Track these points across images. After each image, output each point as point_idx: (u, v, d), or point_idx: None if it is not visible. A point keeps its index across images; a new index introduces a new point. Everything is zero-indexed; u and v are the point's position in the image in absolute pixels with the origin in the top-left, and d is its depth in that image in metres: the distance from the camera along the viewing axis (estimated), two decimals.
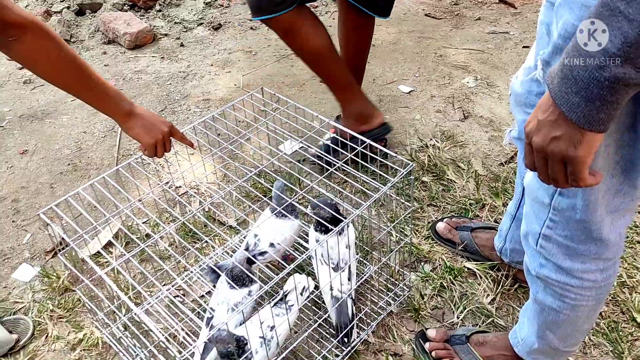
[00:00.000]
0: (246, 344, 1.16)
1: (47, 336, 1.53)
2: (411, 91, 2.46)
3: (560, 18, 0.82)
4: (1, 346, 1.46)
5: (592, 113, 0.69)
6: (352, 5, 1.89)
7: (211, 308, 1.32)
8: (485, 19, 3.04)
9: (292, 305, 1.26)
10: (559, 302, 1.09)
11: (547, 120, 0.73)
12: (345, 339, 1.38)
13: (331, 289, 1.35)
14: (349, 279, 1.39)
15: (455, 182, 1.93)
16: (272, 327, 1.19)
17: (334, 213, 1.38)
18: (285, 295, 1.26)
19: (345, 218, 1.36)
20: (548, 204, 0.98)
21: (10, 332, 1.50)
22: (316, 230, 1.43)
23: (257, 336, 1.19)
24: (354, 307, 1.42)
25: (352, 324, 1.39)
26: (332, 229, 1.29)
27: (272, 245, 1.40)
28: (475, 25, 2.98)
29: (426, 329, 1.47)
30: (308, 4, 1.79)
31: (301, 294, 1.27)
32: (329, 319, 1.42)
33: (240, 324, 1.30)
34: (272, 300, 1.28)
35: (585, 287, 1.05)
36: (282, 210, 1.37)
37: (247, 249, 1.42)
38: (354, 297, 1.43)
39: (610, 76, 0.65)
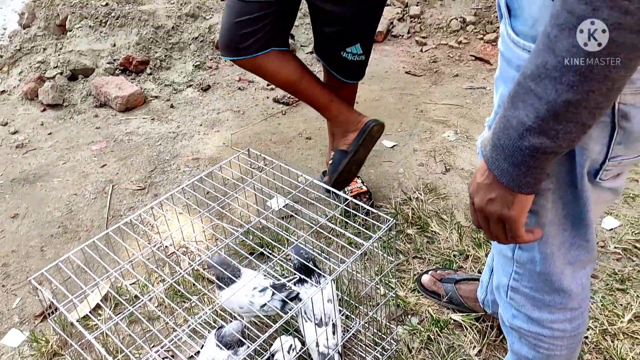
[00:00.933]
0: None
1: None
2: (394, 146, 2.54)
3: (497, 89, 0.91)
4: None
5: (519, 177, 0.75)
6: (326, 67, 2.02)
7: None
8: (462, 75, 3.17)
9: None
10: (533, 352, 1.12)
11: (484, 183, 0.80)
12: None
13: (317, 345, 1.36)
14: (334, 333, 1.41)
15: (439, 234, 1.97)
16: None
17: (311, 266, 1.40)
18: (273, 355, 1.27)
19: (321, 270, 1.39)
20: (511, 258, 1.04)
21: None
22: (295, 285, 1.45)
23: None
24: None
25: None
26: (310, 281, 1.32)
27: None
28: (454, 81, 3.11)
29: None
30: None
31: (288, 352, 1.28)
32: None
33: None
34: None
35: (556, 336, 1.08)
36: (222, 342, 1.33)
37: None
38: (340, 352, 1.44)
39: (529, 145, 0.72)
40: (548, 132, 0.70)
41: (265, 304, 1.39)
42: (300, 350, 1.36)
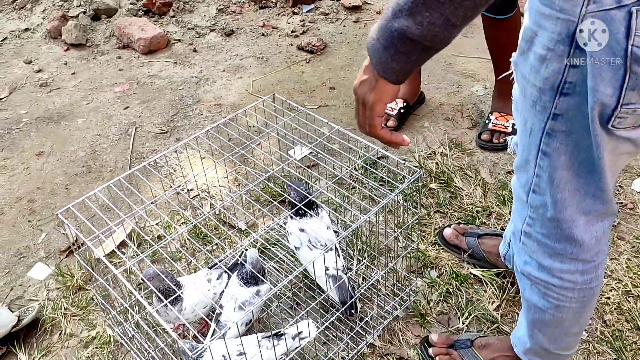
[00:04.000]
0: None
1: (60, 333, 1.57)
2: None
3: (523, 24, 0.93)
4: (4, 325, 1.50)
5: (387, 61, 0.79)
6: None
7: (220, 305, 1.36)
8: None
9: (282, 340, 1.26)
10: (543, 301, 1.13)
11: (364, 65, 0.86)
12: (353, 311, 1.42)
13: (327, 269, 1.38)
14: (339, 257, 1.44)
15: (463, 190, 1.95)
16: (242, 354, 1.17)
17: (305, 194, 1.43)
18: (280, 335, 1.26)
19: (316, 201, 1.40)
20: (526, 202, 1.05)
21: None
22: (293, 218, 1.47)
23: (221, 355, 1.17)
24: (351, 282, 1.46)
25: (355, 297, 1.42)
26: (309, 212, 1.38)
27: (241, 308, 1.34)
28: None
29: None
30: None
31: (293, 338, 1.26)
32: (329, 298, 1.44)
33: (249, 324, 1.33)
34: (268, 335, 1.27)
35: (565, 287, 1.08)
36: (254, 276, 1.34)
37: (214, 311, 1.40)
38: (347, 274, 1.44)
39: (398, 27, 0.75)
40: (415, 16, 0.73)
41: (225, 288, 1.39)
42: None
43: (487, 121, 2.20)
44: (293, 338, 1.25)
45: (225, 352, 1.13)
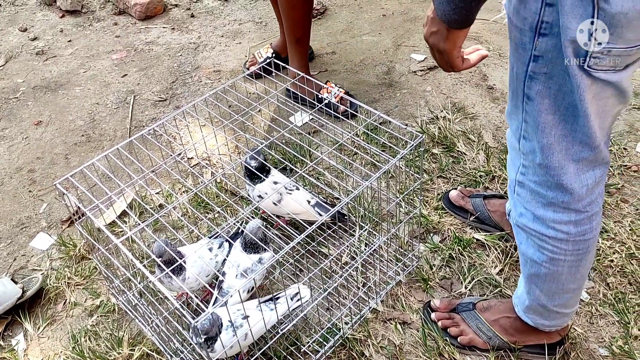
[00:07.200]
0: (221, 324, 1.17)
1: (65, 302, 1.58)
2: (425, 59, 2.43)
3: None
4: (9, 297, 1.51)
5: (450, 13, 0.87)
6: None
7: (223, 272, 1.36)
8: None
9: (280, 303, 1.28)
10: (538, 254, 1.14)
11: (430, 18, 0.94)
12: (345, 218, 1.51)
13: (308, 202, 1.48)
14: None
15: (466, 154, 1.93)
16: (246, 317, 1.18)
17: (262, 161, 1.50)
18: (277, 298, 1.28)
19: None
20: (519, 150, 1.06)
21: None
22: (255, 182, 1.52)
23: (227, 320, 1.18)
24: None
25: (337, 207, 1.40)
26: (263, 177, 1.48)
27: (243, 275, 1.35)
28: None
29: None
30: None
31: (292, 299, 1.29)
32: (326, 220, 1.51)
33: (251, 291, 1.34)
34: (265, 299, 1.30)
35: (559, 238, 1.09)
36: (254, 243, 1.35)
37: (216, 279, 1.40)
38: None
39: None
40: None
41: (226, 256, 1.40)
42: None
43: None
44: (292, 298, 1.28)
45: (229, 318, 1.13)
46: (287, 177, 1.65)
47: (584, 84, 0.88)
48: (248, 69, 2.34)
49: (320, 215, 1.48)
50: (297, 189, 1.56)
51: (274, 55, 2.33)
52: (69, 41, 2.77)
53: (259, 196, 1.50)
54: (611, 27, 0.81)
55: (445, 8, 0.87)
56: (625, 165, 1.85)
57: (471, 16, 0.88)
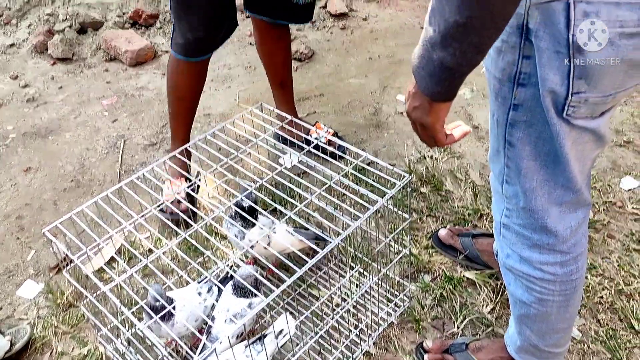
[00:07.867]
0: None
1: (51, 352, 1.55)
2: None
3: None
4: None
5: (432, 86, 0.84)
6: (268, 20, 2.00)
7: (212, 317, 1.34)
8: None
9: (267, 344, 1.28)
10: (527, 295, 1.14)
11: (412, 92, 0.90)
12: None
13: (292, 234, 1.54)
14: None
15: (453, 193, 1.95)
16: None
17: (251, 203, 1.51)
18: (264, 337, 1.28)
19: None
20: (502, 194, 1.08)
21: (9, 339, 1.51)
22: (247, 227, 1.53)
23: None
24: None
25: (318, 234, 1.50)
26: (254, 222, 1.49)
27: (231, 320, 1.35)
28: None
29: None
30: None
31: (277, 337, 1.28)
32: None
33: (240, 336, 1.32)
34: (250, 341, 1.29)
35: (547, 279, 1.10)
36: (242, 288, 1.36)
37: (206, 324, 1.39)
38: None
39: (437, 58, 0.79)
40: (448, 48, 0.77)
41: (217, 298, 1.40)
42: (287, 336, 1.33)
43: None
44: (277, 336, 1.27)
45: None
46: (278, 219, 1.65)
47: (563, 132, 0.90)
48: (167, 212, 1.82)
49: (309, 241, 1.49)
50: (273, 222, 1.57)
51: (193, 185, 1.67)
52: (60, 88, 2.80)
53: (251, 247, 1.49)
54: (587, 78, 0.83)
55: (428, 82, 0.85)
56: (610, 202, 1.87)
57: (454, 89, 0.86)
